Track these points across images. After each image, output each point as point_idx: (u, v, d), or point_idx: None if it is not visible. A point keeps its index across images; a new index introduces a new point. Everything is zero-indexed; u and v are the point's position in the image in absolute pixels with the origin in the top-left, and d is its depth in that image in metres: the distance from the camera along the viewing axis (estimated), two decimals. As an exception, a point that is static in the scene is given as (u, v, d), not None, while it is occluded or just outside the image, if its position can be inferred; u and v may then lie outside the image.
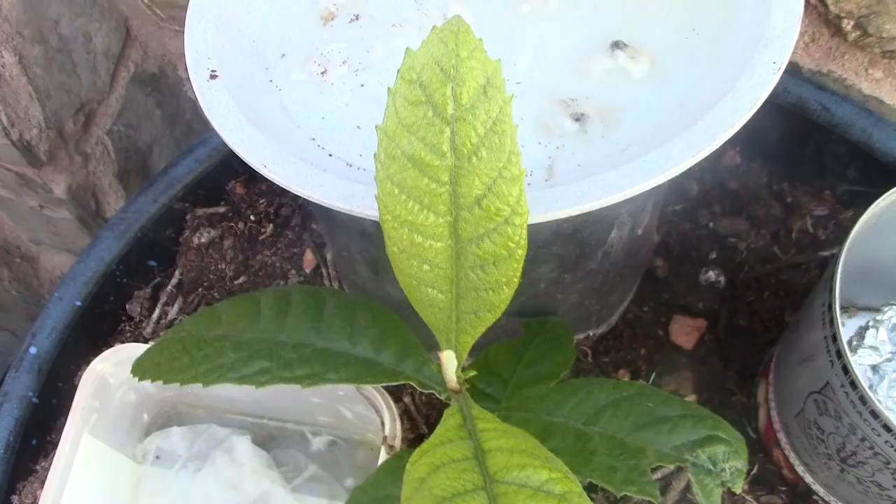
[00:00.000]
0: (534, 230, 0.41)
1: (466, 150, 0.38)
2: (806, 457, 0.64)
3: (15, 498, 0.77)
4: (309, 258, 0.87)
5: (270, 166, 0.48)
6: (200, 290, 0.87)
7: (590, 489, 0.44)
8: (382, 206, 0.40)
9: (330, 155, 0.52)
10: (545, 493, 0.37)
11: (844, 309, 0.74)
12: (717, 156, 0.45)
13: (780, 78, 0.47)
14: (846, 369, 0.53)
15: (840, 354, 0.53)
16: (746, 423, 0.73)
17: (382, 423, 0.64)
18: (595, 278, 0.63)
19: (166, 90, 1.12)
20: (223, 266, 0.88)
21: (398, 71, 0.38)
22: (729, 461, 0.50)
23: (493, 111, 0.37)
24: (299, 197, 0.48)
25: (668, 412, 0.51)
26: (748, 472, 0.68)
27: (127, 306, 0.88)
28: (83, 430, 0.69)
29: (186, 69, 0.53)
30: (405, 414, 0.76)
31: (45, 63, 0.88)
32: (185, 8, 0.56)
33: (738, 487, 0.49)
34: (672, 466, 0.50)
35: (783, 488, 0.69)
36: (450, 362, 0.45)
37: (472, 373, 0.48)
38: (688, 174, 0.45)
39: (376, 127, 0.39)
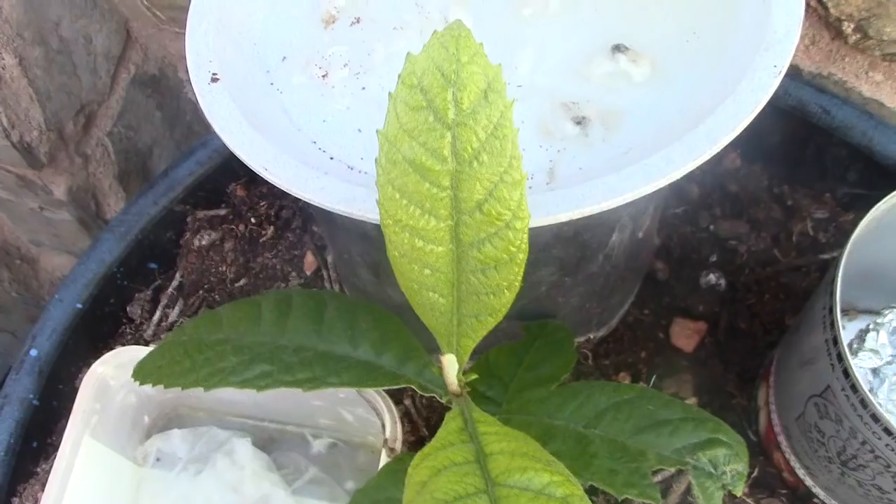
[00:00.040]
0: (535, 233, 0.41)
1: (467, 154, 0.38)
2: (806, 460, 0.64)
3: (15, 500, 0.77)
4: (310, 260, 0.87)
5: (272, 169, 0.48)
6: (201, 292, 0.87)
7: (591, 492, 0.44)
8: (384, 210, 0.40)
9: (331, 158, 0.52)
10: (547, 496, 0.38)
11: (845, 312, 0.74)
12: (717, 158, 0.45)
13: (781, 80, 0.47)
14: (847, 373, 0.53)
15: (841, 358, 0.53)
16: (747, 425, 0.73)
17: (383, 426, 0.64)
18: (596, 281, 0.63)
19: (167, 92, 1.12)
20: (224, 268, 0.88)
21: (399, 76, 0.38)
22: (730, 464, 0.50)
23: (494, 116, 0.37)
24: (300, 199, 0.48)
25: (668, 415, 0.52)
26: (749, 475, 0.68)
27: (127, 308, 0.88)
28: (84, 433, 0.69)
29: (187, 71, 0.54)
30: (406, 416, 0.76)
31: (46, 65, 0.88)
32: (185, 10, 0.56)
33: (739, 490, 0.49)
34: (673, 469, 0.50)
35: (784, 491, 0.69)
36: (451, 366, 0.46)
37: (474, 376, 0.48)
38: (688, 177, 0.45)
39: (377, 131, 0.39)
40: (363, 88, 0.55)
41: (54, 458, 0.67)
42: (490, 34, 0.56)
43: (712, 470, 0.49)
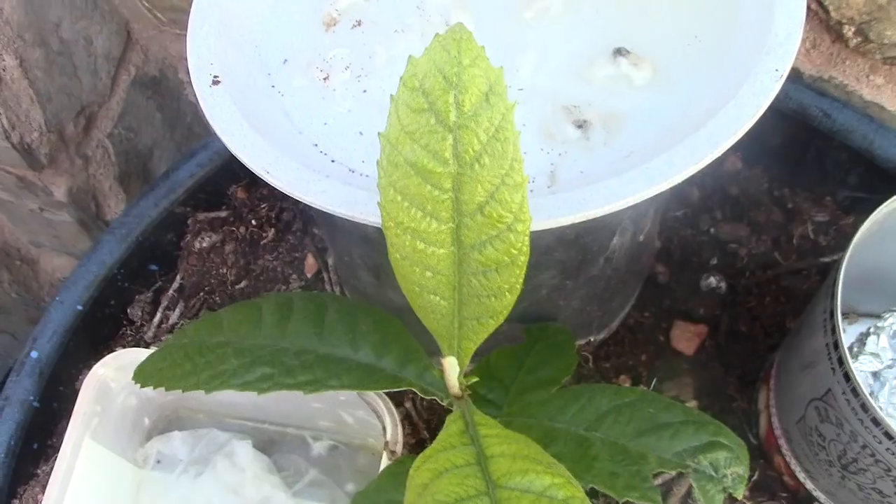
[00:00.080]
0: (536, 236, 0.41)
1: (469, 157, 0.38)
2: (807, 463, 0.64)
3: (16, 502, 0.77)
4: (310, 263, 0.87)
5: (273, 172, 0.48)
6: (202, 294, 0.87)
7: (591, 495, 0.44)
8: (385, 212, 0.40)
9: (332, 161, 0.52)
10: (548, 498, 0.38)
11: (845, 315, 0.74)
12: (718, 161, 0.45)
13: (782, 84, 0.47)
14: (848, 377, 0.53)
15: (842, 362, 0.53)
16: (747, 428, 0.73)
17: (384, 429, 0.64)
18: (597, 284, 0.63)
19: (167, 93, 1.12)
20: (224, 270, 0.88)
21: (401, 78, 0.38)
22: (730, 467, 0.50)
23: (495, 118, 0.37)
24: (301, 202, 0.48)
25: (669, 418, 0.52)
26: (749, 478, 0.68)
27: (128, 310, 0.88)
28: (84, 435, 0.69)
29: (187, 72, 0.54)
30: (406, 419, 0.76)
31: (46, 66, 0.88)
32: (186, 11, 0.56)
33: (740, 493, 0.49)
34: (673, 472, 0.50)
35: (784, 495, 0.69)
36: (452, 368, 0.46)
37: (475, 379, 0.48)
38: (689, 180, 0.45)
39: (379, 134, 0.39)
40: (364, 91, 0.55)
41: (54, 459, 0.67)
42: (491, 37, 0.56)
43: (713, 473, 0.49)
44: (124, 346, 0.85)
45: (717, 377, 0.76)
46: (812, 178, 0.83)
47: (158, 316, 0.87)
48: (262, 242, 0.90)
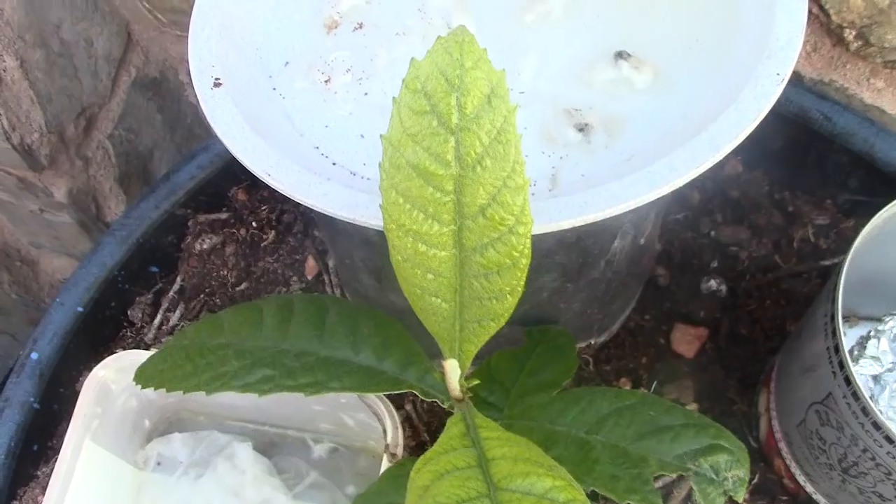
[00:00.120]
0: (537, 239, 0.41)
1: (471, 159, 0.38)
2: (807, 466, 0.64)
3: (16, 503, 0.77)
4: (311, 265, 0.87)
5: (274, 175, 0.48)
6: (202, 296, 0.87)
7: (592, 497, 0.44)
8: (387, 215, 0.40)
9: (333, 164, 0.52)
10: (549, 500, 0.38)
11: (846, 318, 0.74)
12: (718, 164, 0.45)
13: (783, 88, 0.47)
14: (848, 380, 0.53)
15: (842, 365, 0.53)
16: (747, 431, 0.73)
17: (384, 431, 0.64)
18: (597, 287, 0.63)
19: (167, 95, 1.12)
20: (225, 272, 0.88)
21: (403, 81, 0.38)
22: (731, 470, 0.50)
23: (497, 121, 0.37)
24: (301, 204, 0.48)
25: (670, 421, 0.52)
26: (749, 481, 0.68)
27: (128, 312, 0.88)
28: (85, 437, 0.69)
29: (187, 74, 0.54)
30: (407, 421, 0.76)
31: (47, 67, 0.88)
32: (186, 13, 0.56)
33: (740, 496, 0.49)
34: (674, 475, 0.50)
35: (784, 498, 0.69)
36: (453, 371, 0.46)
37: (476, 381, 0.48)
38: (689, 183, 0.45)
39: (381, 136, 0.39)
40: (366, 94, 0.55)
41: (54, 461, 0.67)
42: (493, 40, 0.56)
43: (714, 476, 0.49)
44: (124, 348, 0.86)
45: (717, 380, 0.76)
46: (813, 182, 0.83)
47: (159, 318, 0.87)
48: (262, 244, 0.90)
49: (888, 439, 0.51)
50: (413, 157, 0.38)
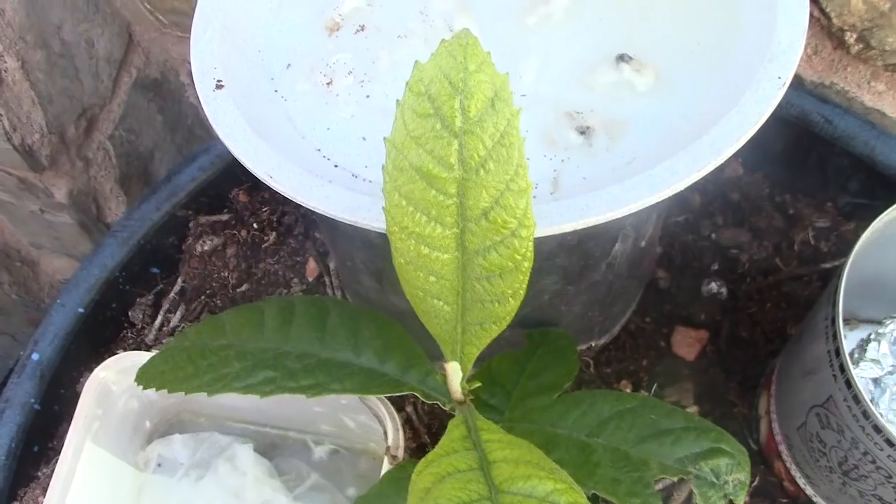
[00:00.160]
0: (538, 242, 0.41)
1: (474, 162, 0.38)
2: (807, 469, 0.64)
3: (16, 504, 0.77)
4: (312, 267, 0.87)
5: (276, 177, 0.48)
6: (203, 297, 0.87)
7: (593, 501, 0.44)
8: (390, 217, 0.40)
9: (335, 166, 0.52)
10: (550, 503, 0.38)
11: (846, 321, 0.74)
12: (719, 167, 0.46)
13: (784, 91, 0.47)
14: (849, 383, 0.53)
15: (843, 369, 0.53)
16: (748, 434, 0.73)
17: (385, 433, 0.64)
18: (598, 290, 0.63)
19: (168, 96, 1.12)
20: (226, 274, 0.88)
21: (407, 83, 0.38)
22: (732, 474, 0.50)
23: (500, 124, 0.37)
24: (303, 206, 0.48)
25: (671, 424, 0.52)
26: (749, 483, 0.68)
27: (129, 313, 0.88)
28: (86, 438, 0.69)
29: (188, 75, 0.54)
30: (407, 423, 0.76)
31: (48, 68, 0.88)
32: (187, 14, 0.56)
33: (741, 500, 0.49)
34: (674, 478, 0.50)
35: (784, 500, 0.70)
36: (455, 373, 0.46)
37: (477, 384, 0.48)
38: (690, 186, 0.45)
39: (384, 139, 0.39)
40: (368, 96, 0.55)
41: (55, 462, 0.67)
42: (494, 43, 0.56)
43: (714, 479, 0.49)
44: (125, 349, 0.86)
45: (717, 382, 0.76)
46: (813, 184, 0.83)
47: (159, 319, 0.87)
48: (263, 246, 0.90)
49: (889, 442, 0.51)
50: (416, 159, 0.38)
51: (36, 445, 0.79)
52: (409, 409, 0.77)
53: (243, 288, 0.87)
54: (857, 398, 0.52)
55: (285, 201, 0.89)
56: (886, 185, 0.75)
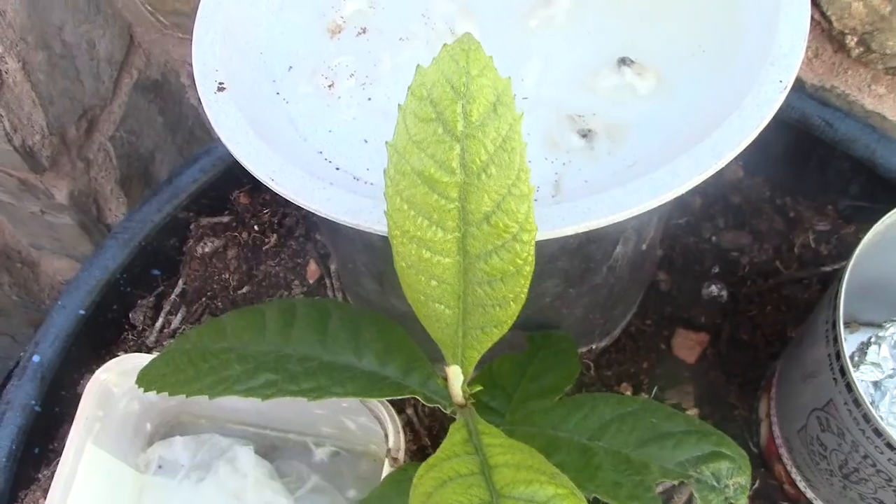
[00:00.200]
0: (540, 245, 0.41)
1: (476, 167, 0.38)
2: (808, 472, 0.64)
3: (16, 506, 0.77)
4: (313, 269, 0.87)
5: (278, 179, 0.48)
6: (204, 299, 0.87)
7: (594, 504, 0.45)
8: (391, 221, 0.40)
9: (337, 169, 0.52)
10: (551, 508, 0.38)
11: (846, 324, 0.74)
12: (720, 170, 0.46)
13: (785, 95, 0.47)
14: (850, 387, 0.53)
15: (844, 372, 0.53)
16: (748, 437, 0.73)
17: (386, 435, 0.64)
18: (599, 292, 0.63)
19: (169, 97, 1.12)
20: (227, 276, 0.88)
21: (409, 87, 0.38)
22: (732, 477, 0.50)
23: (502, 129, 0.37)
24: (304, 208, 0.48)
25: (672, 428, 0.52)
26: (749, 486, 0.68)
27: (130, 315, 0.88)
28: (86, 440, 0.69)
29: (189, 76, 0.54)
30: (408, 425, 0.76)
31: (49, 69, 0.88)
32: (188, 15, 0.56)
33: (742, 503, 0.49)
34: (675, 481, 0.50)
35: (784, 503, 0.70)
36: (456, 377, 0.46)
37: (478, 387, 0.48)
38: (691, 188, 0.45)
39: (386, 143, 0.39)
40: (369, 99, 0.55)
41: (56, 464, 0.67)
42: (496, 46, 0.56)
43: (715, 483, 0.49)
44: (126, 351, 0.86)
45: (718, 385, 0.76)
46: (814, 187, 0.83)
47: (160, 321, 0.87)
48: (264, 248, 0.90)
49: (889, 446, 0.51)
50: (418, 163, 0.38)
51: (37, 447, 0.79)
52: (410, 411, 0.77)
53: (244, 290, 0.87)
54: (857, 401, 0.52)
55: (286, 203, 0.89)
56: (887, 189, 0.75)
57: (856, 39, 0.72)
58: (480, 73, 0.37)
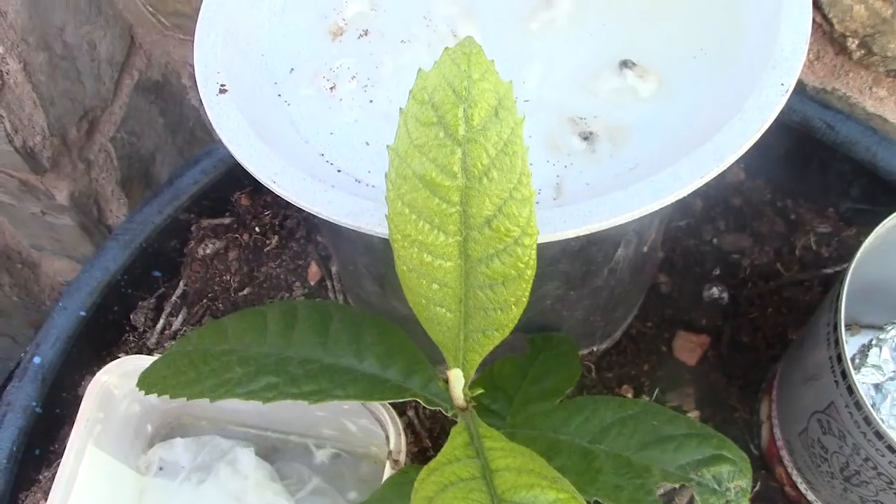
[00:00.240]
0: (541, 248, 0.41)
1: (477, 171, 0.38)
2: (809, 475, 0.64)
3: (17, 507, 0.77)
4: (314, 270, 0.87)
5: (279, 182, 0.48)
6: (205, 301, 0.87)
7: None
8: (393, 225, 0.40)
9: (338, 171, 0.52)
10: (553, 512, 0.38)
11: (847, 326, 0.74)
12: (721, 172, 0.46)
13: (787, 98, 0.47)
14: (851, 390, 0.53)
15: (845, 375, 0.53)
16: (749, 439, 0.73)
17: (387, 437, 0.64)
18: (600, 295, 0.63)
19: (170, 98, 1.12)
20: (228, 277, 0.88)
21: (410, 91, 0.38)
22: (734, 481, 0.50)
23: (504, 133, 0.37)
24: (305, 210, 0.48)
25: (673, 431, 0.52)
26: (751, 490, 0.68)
27: (131, 317, 0.88)
28: (87, 441, 0.69)
29: (190, 77, 0.54)
30: (409, 428, 0.76)
31: (50, 70, 0.88)
32: (189, 16, 0.56)
33: (742, 506, 0.49)
34: (676, 484, 0.50)
35: (785, 505, 0.70)
36: (457, 380, 0.46)
37: (480, 391, 0.48)
38: (693, 191, 0.45)
39: (388, 147, 0.39)
40: (371, 101, 0.55)
41: (56, 466, 0.67)
42: (497, 48, 0.56)
43: (716, 486, 0.49)
44: (127, 352, 0.86)
45: (719, 387, 0.76)
46: (815, 190, 0.83)
47: (161, 322, 0.87)
48: (265, 249, 0.90)
49: (890, 448, 0.51)
50: (419, 167, 0.38)
51: (37, 449, 0.79)
52: (411, 413, 0.77)
53: (245, 292, 0.87)
54: (858, 404, 0.52)
55: (287, 205, 0.89)
56: (888, 191, 0.75)
57: (857, 42, 0.72)
58: (482, 77, 0.37)
